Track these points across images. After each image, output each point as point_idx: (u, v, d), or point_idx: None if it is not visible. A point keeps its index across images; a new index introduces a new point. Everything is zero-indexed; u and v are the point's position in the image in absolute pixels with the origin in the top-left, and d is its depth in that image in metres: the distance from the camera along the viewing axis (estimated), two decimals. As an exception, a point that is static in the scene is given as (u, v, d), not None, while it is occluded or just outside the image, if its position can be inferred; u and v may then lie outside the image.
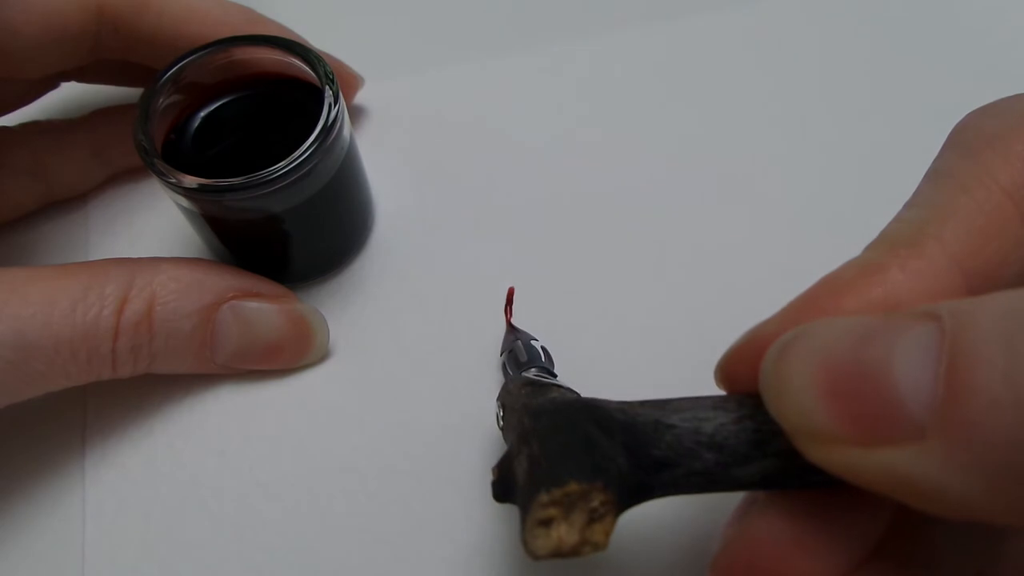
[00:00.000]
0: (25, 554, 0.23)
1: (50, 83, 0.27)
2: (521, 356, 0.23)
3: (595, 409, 0.16)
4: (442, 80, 0.31)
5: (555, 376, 0.23)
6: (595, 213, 0.27)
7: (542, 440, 0.15)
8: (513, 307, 0.24)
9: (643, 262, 0.26)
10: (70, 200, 0.28)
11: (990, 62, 0.30)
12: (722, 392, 0.16)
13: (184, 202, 0.22)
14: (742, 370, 0.16)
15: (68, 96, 0.29)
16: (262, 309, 0.24)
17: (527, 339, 0.24)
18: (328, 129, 0.22)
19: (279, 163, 0.21)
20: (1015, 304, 0.12)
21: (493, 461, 0.23)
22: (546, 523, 0.14)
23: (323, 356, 0.25)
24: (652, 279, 0.26)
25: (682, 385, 0.18)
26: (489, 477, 0.17)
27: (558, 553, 0.14)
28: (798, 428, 0.13)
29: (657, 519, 0.22)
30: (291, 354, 0.24)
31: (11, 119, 0.27)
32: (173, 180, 0.21)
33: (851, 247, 0.16)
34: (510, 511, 0.22)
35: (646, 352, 0.25)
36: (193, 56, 0.23)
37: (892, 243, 0.15)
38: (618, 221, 0.27)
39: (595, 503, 0.14)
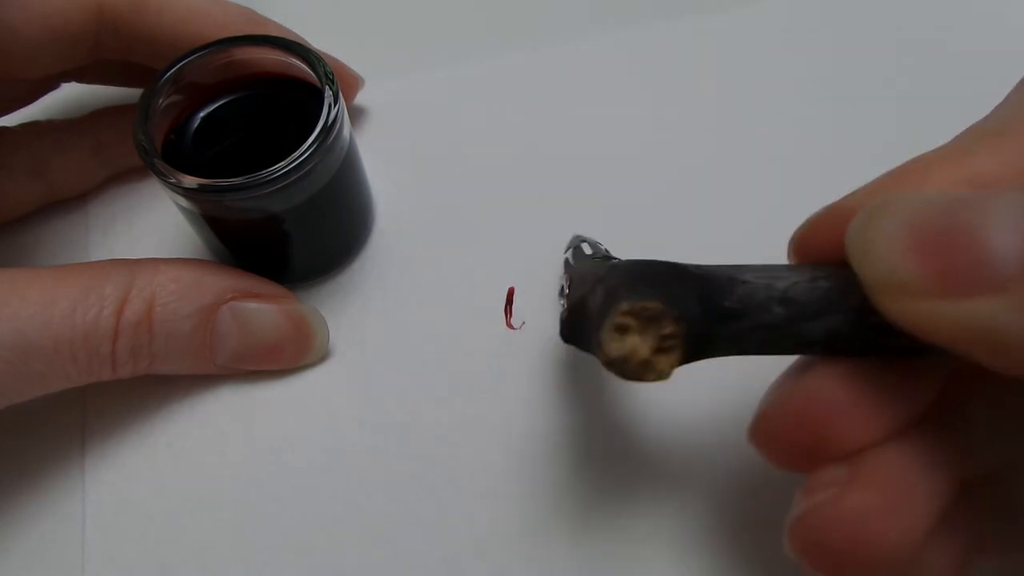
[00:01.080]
0: (25, 554, 0.23)
1: (50, 83, 0.27)
2: (586, 251, 0.23)
3: (672, 264, 0.16)
4: (442, 80, 0.31)
5: None
6: (595, 213, 0.27)
7: (623, 274, 0.16)
8: (513, 307, 0.24)
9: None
10: (70, 200, 0.28)
11: (998, 56, 0.30)
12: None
13: (184, 202, 0.22)
14: (822, 239, 0.16)
15: (68, 96, 0.29)
16: (262, 309, 0.24)
17: (593, 241, 0.24)
18: (328, 129, 0.22)
19: (279, 163, 0.21)
20: None
21: (493, 461, 0.23)
22: (622, 330, 0.15)
23: (323, 356, 0.25)
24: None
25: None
26: (559, 318, 0.17)
27: (628, 362, 0.15)
28: (881, 280, 0.14)
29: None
30: (291, 354, 0.24)
31: (11, 119, 0.27)
32: (173, 180, 0.21)
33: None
34: (510, 511, 0.22)
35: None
36: (193, 56, 0.23)
37: (980, 133, 0.16)
38: (619, 221, 0.27)
39: (667, 331, 0.15)
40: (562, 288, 0.22)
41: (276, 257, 0.25)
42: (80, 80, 0.28)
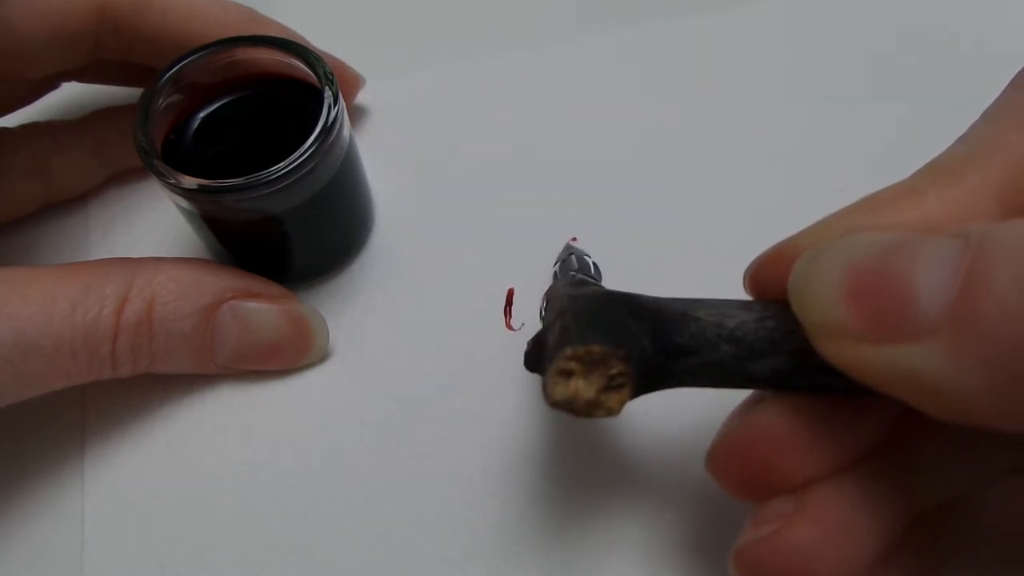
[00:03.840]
0: (25, 553, 0.23)
1: (50, 83, 0.27)
2: (572, 266, 0.24)
3: (630, 298, 0.17)
4: (442, 80, 0.31)
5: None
6: (595, 213, 0.27)
7: (576, 313, 0.16)
8: (513, 308, 0.24)
9: (644, 263, 0.26)
10: (70, 200, 0.28)
11: (997, 56, 0.30)
12: (749, 298, 0.18)
13: (183, 203, 0.22)
14: (771, 275, 0.17)
15: (68, 96, 0.29)
16: (262, 309, 0.24)
17: (581, 253, 0.25)
18: (328, 130, 0.22)
19: (279, 164, 0.21)
20: None
21: (494, 461, 0.23)
22: (566, 375, 0.15)
23: (323, 356, 0.25)
24: (652, 282, 0.26)
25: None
26: (522, 361, 0.18)
27: (572, 404, 0.15)
28: (817, 323, 0.14)
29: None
30: (291, 354, 0.24)
31: (11, 119, 0.27)
32: (172, 181, 0.21)
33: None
34: (509, 512, 0.22)
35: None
36: (193, 56, 0.23)
37: (935, 171, 0.16)
38: (618, 221, 0.27)
39: (615, 371, 0.15)
40: (541, 310, 0.23)
41: (276, 257, 0.25)
42: (80, 80, 0.28)
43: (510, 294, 0.24)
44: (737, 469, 0.17)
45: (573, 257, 0.25)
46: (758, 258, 0.17)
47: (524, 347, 0.24)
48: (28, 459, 0.24)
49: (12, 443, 0.24)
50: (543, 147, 0.29)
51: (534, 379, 0.24)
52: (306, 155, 0.21)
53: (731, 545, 0.17)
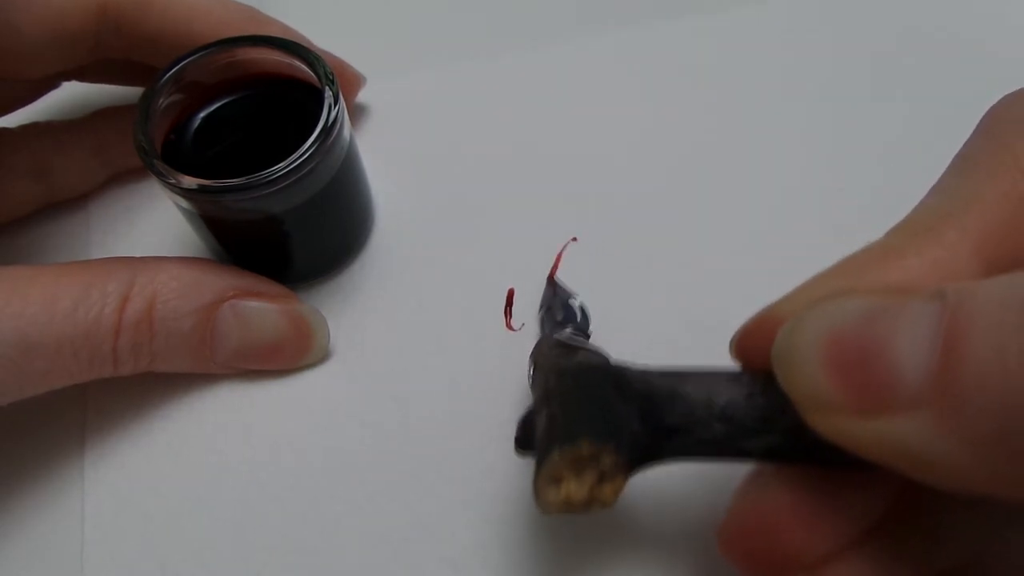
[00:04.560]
0: (24, 553, 0.23)
1: (51, 83, 0.27)
2: (558, 314, 0.24)
3: (616, 376, 0.17)
4: (442, 80, 0.31)
5: (589, 335, 0.24)
6: (597, 213, 0.27)
7: (563, 400, 0.16)
8: (513, 308, 0.24)
9: (644, 263, 0.26)
10: (71, 200, 0.28)
11: (998, 56, 0.30)
12: (735, 365, 0.17)
13: (183, 203, 0.22)
14: (755, 345, 0.16)
15: (69, 96, 0.29)
16: (262, 309, 0.24)
17: (565, 297, 0.24)
18: (328, 130, 0.22)
19: (279, 164, 0.21)
20: (1014, 281, 0.12)
21: (494, 461, 0.23)
22: (557, 480, 0.15)
23: (323, 356, 0.25)
24: (652, 282, 0.26)
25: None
26: (513, 433, 0.18)
27: (566, 508, 0.15)
28: (804, 397, 0.14)
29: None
30: (291, 354, 0.25)
31: (12, 119, 0.27)
32: (172, 181, 0.21)
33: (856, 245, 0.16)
34: (509, 513, 0.22)
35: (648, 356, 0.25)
36: (194, 56, 0.23)
37: (912, 229, 0.15)
38: (620, 221, 0.27)
39: (606, 464, 0.15)
40: (529, 374, 0.22)
41: (276, 257, 0.25)
42: (81, 79, 0.28)
43: (510, 294, 0.24)
44: (748, 551, 0.16)
45: (558, 300, 0.24)
46: (742, 327, 0.17)
47: (525, 347, 0.25)
48: (28, 458, 0.24)
49: (12, 442, 0.24)
50: (543, 147, 0.29)
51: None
52: (306, 155, 0.22)
53: None
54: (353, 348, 0.25)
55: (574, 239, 0.26)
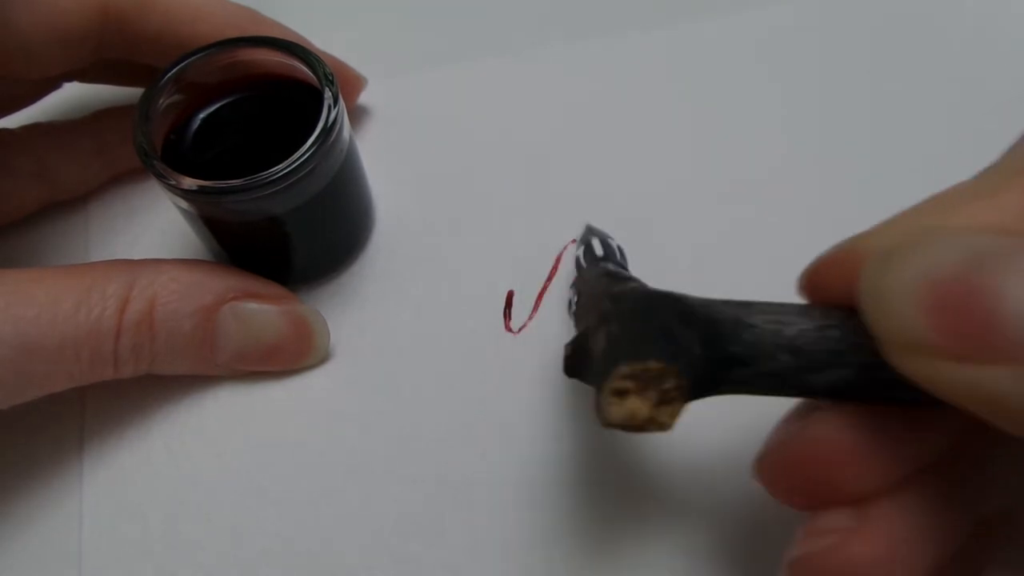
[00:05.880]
0: (22, 554, 0.23)
1: (53, 83, 0.27)
2: (597, 250, 0.23)
3: (677, 300, 0.16)
4: (442, 80, 0.31)
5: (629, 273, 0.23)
6: (597, 214, 0.27)
7: (624, 321, 0.16)
8: (512, 310, 0.25)
9: (645, 263, 0.26)
10: (71, 201, 0.28)
11: (997, 57, 0.30)
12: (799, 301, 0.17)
13: (183, 204, 0.22)
14: (832, 279, 0.16)
15: (71, 96, 0.29)
16: (262, 310, 0.24)
17: (604, 236, 0.24)
18: (328, 131, 0.22)
19: (278, 165, 0.21)
20: None
21: (493, 465, 0.23)
22: (621, 394, 0.15)
23: (323, 358, 0.25)
24: (652, 282, 0.26)
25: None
26: (562, 352, 0.17)
27: (628, 424, 0.15)
28: (896, 336, 0.14)
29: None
30: (291, 355, 0.25)
31: (14, 120, 0.27)
32: (172, 182, 0.21)
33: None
34: (509, 516, 0.22)
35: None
36: (194, 57, 0.23)
37: (1007, 170, 0.15)
38: (619, 221, 0.27)
39: (669, 385, 0.15)
40: (570, 302, 0.21)
41: (276, 258, 0.25)
42: (82, 80, 0.28)
43: (509, 296, 0.24)
44: (792, 479, 0.16)
45: (596, 241, 0.23)
46: (817, 260, 0.16)
47: (525, 348, 0.25)
48: (27, 461, 0.24)
49: (11, 445, 0.24)
50: (544, 148, 0.29)
51: (534, 380, 0.24)
52: (306, 156, 0.22)
53: (779, 555, 0.16)
54: (353, 349, 0.25)
55: (574, 240, 0.26)
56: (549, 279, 0.26)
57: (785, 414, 0.18)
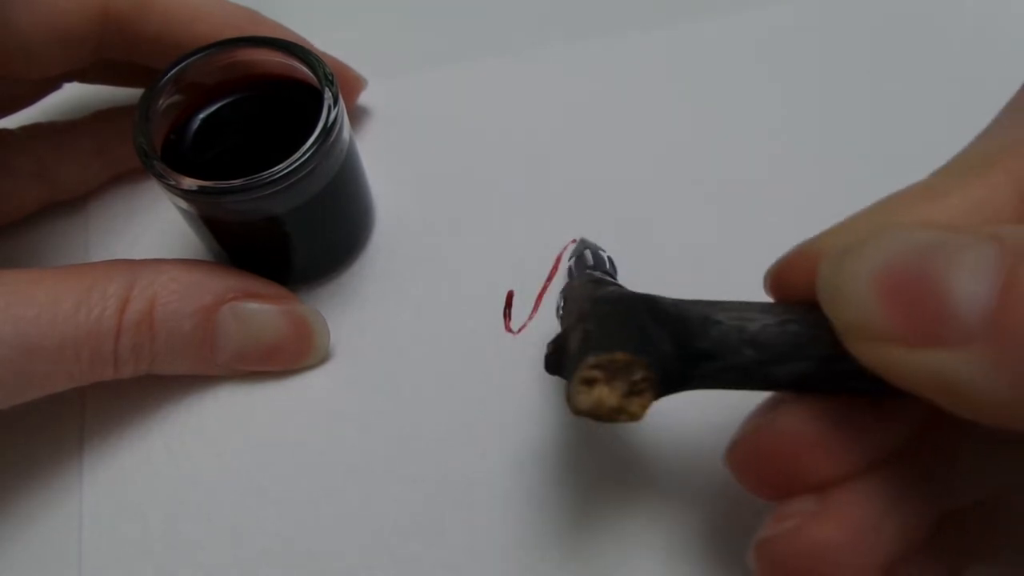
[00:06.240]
0: (22, 555, 0.23)
1: (52, 84, 0.27)
2: (588, 261, 0.24)
3: (650, 301, 0.17)
4: (442, 80, 0.31)
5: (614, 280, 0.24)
6: (597, 214, 0.27)
7: (598, 319, 0.17)
8: (512, 310, 0.25)
9: (644, 263, 0.26)
10: (70, 201, 0.28)
11: (998, 56, 0.30)
12: (770, 300, 0.17)
13: (183, 204, 0.22)
14: (795, 277, 0.17)
15: (70, 96, 0.29)
16: (262, 310, 0.24)
17: (595, 248, 0.25)
18: (327, 131, 0.22)
19: (278, 165, 0.21)
20: None
21: (493, 465, 0.23)
22: (590, 383, 0.16)
23: (323, 358, 0.25)
24: (652, 283, 0.26)
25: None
26: (544, 352, 0.18)
27: (596, 412, 0.16)
28: (852, 324, 0.14)
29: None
30: (291, 355, 0.25)
31: (14, 120, 0.27)
32: (172, 182, 0.21)
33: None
34: (509, 516, 0.22)
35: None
36: (194, 57, 0.23)
37: (957, 170, 0.16)
38: (619, 221, 0.27)
39: (637, 376, 0.16)
40: (558, 307, 0.22)
41: (276, 258, 0.25)
42: (82, 80, 0.28)
43: (509, 296, 0.24)
44: (759, 467, 0.17)
45: (588, 252, 0.25)
46: (780, 259, 0.17)
47: (525, 349, 0.25)
48: (27, 461, 0.24)
49: (11, 445, 0.24)
50: (544, 148, 0.29)
51: (534, 381, 0.24)
52: (306, 156, 0.22)
53: (747, 541, 0.17)
54: (353, 349, 0.25)
55: (574, 240, 0.26)
56: (549, 279, 0.26)
57: (754, 408, 0.18)
